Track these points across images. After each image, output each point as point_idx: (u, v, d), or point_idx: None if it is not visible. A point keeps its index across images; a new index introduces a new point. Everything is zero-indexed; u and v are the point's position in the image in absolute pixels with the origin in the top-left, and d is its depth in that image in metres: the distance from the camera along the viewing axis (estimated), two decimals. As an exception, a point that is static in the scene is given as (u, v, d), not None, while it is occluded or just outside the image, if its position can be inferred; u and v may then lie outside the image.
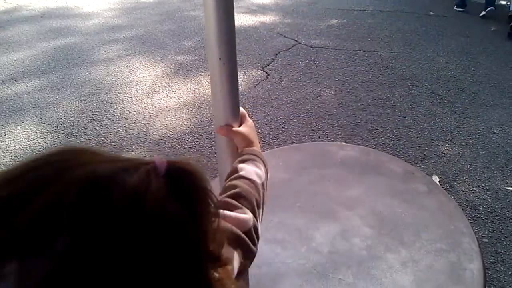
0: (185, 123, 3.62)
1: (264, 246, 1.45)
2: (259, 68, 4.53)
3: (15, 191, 0.40)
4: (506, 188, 2.90)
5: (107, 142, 3.34)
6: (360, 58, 4.71)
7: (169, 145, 3.31)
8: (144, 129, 3.53)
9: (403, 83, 4.18)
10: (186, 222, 0.43)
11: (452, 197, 2.41)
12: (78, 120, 3.65)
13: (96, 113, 3.77)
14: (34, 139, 3.38)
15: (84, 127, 3.55)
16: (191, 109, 3.84)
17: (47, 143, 3.32)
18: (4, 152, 3.23)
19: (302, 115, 3.68)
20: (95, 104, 3.91)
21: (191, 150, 3.24)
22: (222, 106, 0.88)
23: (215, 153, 3.22)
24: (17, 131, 3.49)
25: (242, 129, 0.93)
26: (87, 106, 3.89)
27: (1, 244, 0.36)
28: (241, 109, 0.95)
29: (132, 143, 3.33)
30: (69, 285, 0.36)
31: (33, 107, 3.85)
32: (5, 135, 3.45)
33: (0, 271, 0.35)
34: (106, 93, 4.12)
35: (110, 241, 0.38)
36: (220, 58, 0.81)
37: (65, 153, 0.46)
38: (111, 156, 0.48)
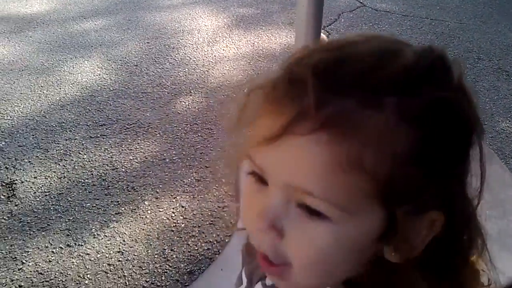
0: (242, 73, 3.68)
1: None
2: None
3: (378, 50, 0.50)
4: None
5: (167, 84, 3.46)
6: (427, 26, 4.56)
7: (226, 93, 3.39)
8: (202, 76, 3.61)
9: (469, 56, 4.03)
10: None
11: (507, 171, 2.36)
12: (141, 61, 3.78)
13: (158, 56, 3.88)
14: (99, 74, 3.54)
15: (146, 68, 3.68)
16: (249, 61, 3.88)
17: (111, 79, 3.48)
18: (71, 84, 3.41)
19: (360, 77, 3.64)
20: (157, 48, 4.02)
21: (247, 99, 3.30)
22: (305, 28, 0.92)
23: (270, 105, 3.28)
24: (85, 65, 3.67)
25: None
26: (150, 48, 4.00)
27: (384, 83, 0.46)
28: (323, 36, 0.99)
29: (191, 88, 3.43)
30: (438, 121, 0.47)
31: (100, 45, 4.01)
32: (73, 68, 3.63)
33: (381, 100, 0.45)
34: (169, 38, 4.22)
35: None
36: None
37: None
38: None
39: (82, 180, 2.50)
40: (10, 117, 3.03)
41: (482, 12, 4.95)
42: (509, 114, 3.31)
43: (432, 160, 0.47)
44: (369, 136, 0.44)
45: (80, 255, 2.10)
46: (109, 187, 2.46)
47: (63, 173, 2.56)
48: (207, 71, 3.70)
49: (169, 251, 2.14)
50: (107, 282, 1.99)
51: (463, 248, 0.54)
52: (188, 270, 2.05)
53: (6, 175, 2.53)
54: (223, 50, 4.05)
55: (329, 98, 0.45)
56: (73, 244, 2.16)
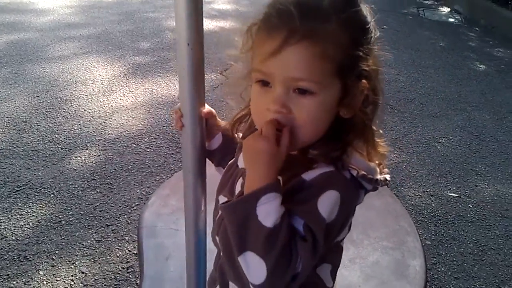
0: (142, 122, 3.61)
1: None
2: (218, 72, 4.57)
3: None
4: (449, 194, 3.07)
5: (60, 139, 3.28)
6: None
7: (125, 144, 3.29)
8: (99, 128, 3.48)
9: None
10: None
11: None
12: (31, 117, 3.56)
13: (50, 110, 3.69)
14: (-17, 134, 3.27)
15: (37, 123, 3.47)
16: (148, 109, 3.83)
17: (-3, 139, 3.23)
18: (-50, 147, 3.11)
19: (259, 119, 3.74)
20: (49, 101, 3.82)
21: (148, 149, 3.23)
22: (188, 90, 0.93)
23: (172, 153, 3.24)
24: (-35, 125, 3.37)
25: None
26: (40, 102, 3.80)
27: (330, 8, 0.80)
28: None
29: (86, 141, 3.29)
30: (358, 23, 0.84)
31: (-17, 102, 3.73)
32: (-49, 129, 3.32)
33: (330, 17, 0.80)
34: (61, 90, 4.04)
35: None
36: (188, 44, 0.87)
37: None
38: None
39: (-35, 255, 2.25)
40: None
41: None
42: (397, 145, 3.57)
43: (359, 44, 0.82)
44: (328, 38, 0.79)
45: None
46: (-2, 260, 2.24)
47: None
48: (103, 122, 3.58)
49: (70, 323, 1.98)
50: None
51: (376, 101, 0.89)
52: None
53: None
54: (120, 99, 3.96)
55: (304, 20, 0.78)
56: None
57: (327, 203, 0.82)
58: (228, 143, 1.11)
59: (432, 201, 2.98)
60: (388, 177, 0.96)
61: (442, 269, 2.45)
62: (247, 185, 0.84)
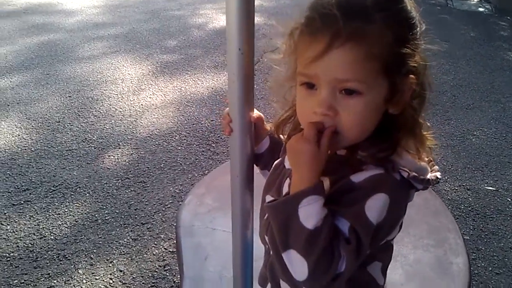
0: (172, 121, 3.63)
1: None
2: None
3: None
4: (486, 187, 2.99)
5: (93, 138, 3.32)
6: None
7: (156, 142, 3.31)
8: (130, 126, 3.52)
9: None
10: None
11: (436, 196, 2.47)
12: (64, 117, 3.62)
13: (82, 109, 3.74)
14: (18, 135, 3.34)
15: (70, 123, 3.52)
16: (178, 107, 3.85)
17: (32, 139, 3.29)
18: (-12, 148, 3.19)
19: (288, 115, 3.71)
20: (80, 101, 3.88)
21: (179, 147, 3.25)
22: (237, 95, 0.92)
23: (203, 151, 3.25)
24: (1, 126, 3.45)
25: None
26: (72, 102, 3.86)
27: (371, 7, 0.78)
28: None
29: (119, 140, 3.33)
30: (402, 20, 0.82)
31: (17, 103, 3.80)
32: (-12, 130, 3.40)
33: (374, 16, 0.77)
34: (92, 90, 4.10)
35: None
36: (239, 49, 0.87)
37: None
38: None
39: (7, 254, 2.30)
40: None
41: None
42: (430, 139, 3.50)
43: (406, 40, 0.81)
44: (373, 38, 0.77)
45: None
46: (38, 259, 2.27)
47: (-16, 249, 2.35)
48: (135, 121, 3.61)
49: (110, 321, 2.00)
50: None
51: (424, 95, 0.88)
52: None
53: None
54: (150, 98, 3.99)
55: (348, 21, 0.76)
56: (1, 328, 1.96)
57: (375, 207, 0.81)
58: (275, 146, 1.11)
59: (469, 195, 2.91)
60: (438, 175, 0.93)
61: (483, 264, 2.39)
62: (292, 186, 0.85)
